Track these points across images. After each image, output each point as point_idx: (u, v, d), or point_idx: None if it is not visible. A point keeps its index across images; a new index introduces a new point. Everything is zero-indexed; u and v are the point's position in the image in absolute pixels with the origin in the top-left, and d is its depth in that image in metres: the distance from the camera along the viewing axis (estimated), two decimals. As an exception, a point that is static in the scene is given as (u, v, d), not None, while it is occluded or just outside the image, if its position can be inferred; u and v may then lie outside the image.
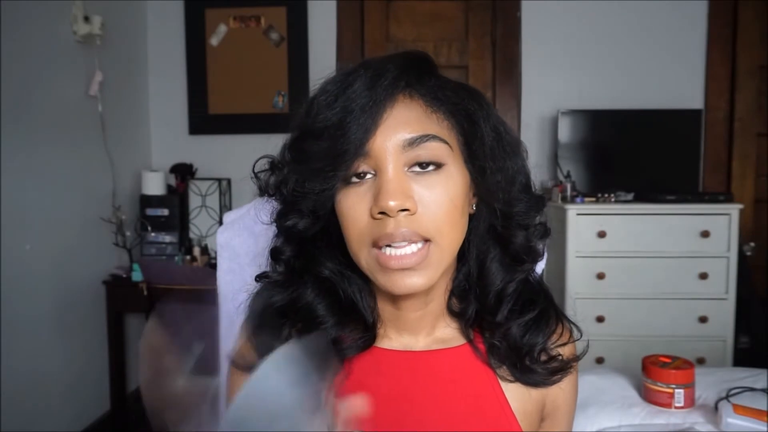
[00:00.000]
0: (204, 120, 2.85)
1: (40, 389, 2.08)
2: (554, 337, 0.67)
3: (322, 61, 2.80)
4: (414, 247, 0.58)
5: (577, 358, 0.69)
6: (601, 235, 2.24)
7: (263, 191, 0.65)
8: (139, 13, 2.78)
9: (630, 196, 2.35)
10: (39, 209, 2.08)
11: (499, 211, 0.63)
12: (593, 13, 2.68)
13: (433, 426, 0.64)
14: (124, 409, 2.43)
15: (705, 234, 2.22)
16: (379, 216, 0.57)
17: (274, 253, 0.67)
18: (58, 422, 2.16)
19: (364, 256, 0.60)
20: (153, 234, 2.56)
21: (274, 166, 0.64)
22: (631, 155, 2.54)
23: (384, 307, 0.67)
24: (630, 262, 2.25)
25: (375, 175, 0.58)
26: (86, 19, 2.25)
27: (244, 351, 0.65)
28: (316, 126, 0.58)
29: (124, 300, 2.40)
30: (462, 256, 0.66)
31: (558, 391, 0.68)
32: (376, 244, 0.58)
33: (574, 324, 0.70)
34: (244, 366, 0.64)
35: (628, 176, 2.52)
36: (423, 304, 0.66)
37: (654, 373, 1.34)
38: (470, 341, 0.67)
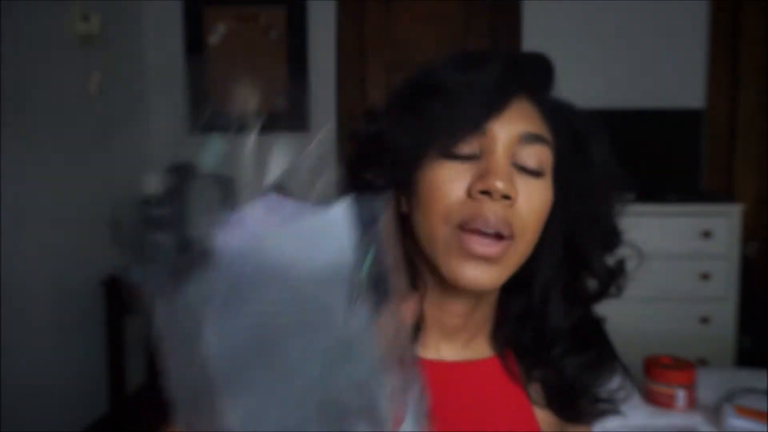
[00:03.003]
0: (203, 119, 2.84)
1: (38, 390, 2.07)
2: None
3: (322, 61, 2.79)
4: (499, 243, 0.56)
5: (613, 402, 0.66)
6: (602, 235, 2.24)
7: (353, 138, 0.62)
8: (138, 12, 2.77)
9: (631, 196, 2.35)
10: (38, 209, 2.08)
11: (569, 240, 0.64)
12: (594, 13, 2.68)
13: None
14: (123, 410, 2.42)
15: (706, 234, 2.21)
16: (480, 196, 0.55)
17: None
18: (56, 423, 2.15)
19: (442, 235, 0.56)
20: (152, 234, 2.55)
21: (371, 114, 0.62)
22: (632, 155, 2.52)
23: (426, 309, 0.62)
24: (631, 262, 2.25)
25: (479, 158, 0.57)
26: (85, 18, 2.24)
27: None
28: (442, 82, 0.57)
29: (122, 301, 2.39)
30: (524, 284, 0.64)
31: None
32: (465, 227, 0.55)
33: (625, 367, 0.68)
34: None
35: (629, 176, 2.51)
36: (470, 309, 0.62)
37: (655, 373, 1.34)
38: (500, 355, 0.65)
